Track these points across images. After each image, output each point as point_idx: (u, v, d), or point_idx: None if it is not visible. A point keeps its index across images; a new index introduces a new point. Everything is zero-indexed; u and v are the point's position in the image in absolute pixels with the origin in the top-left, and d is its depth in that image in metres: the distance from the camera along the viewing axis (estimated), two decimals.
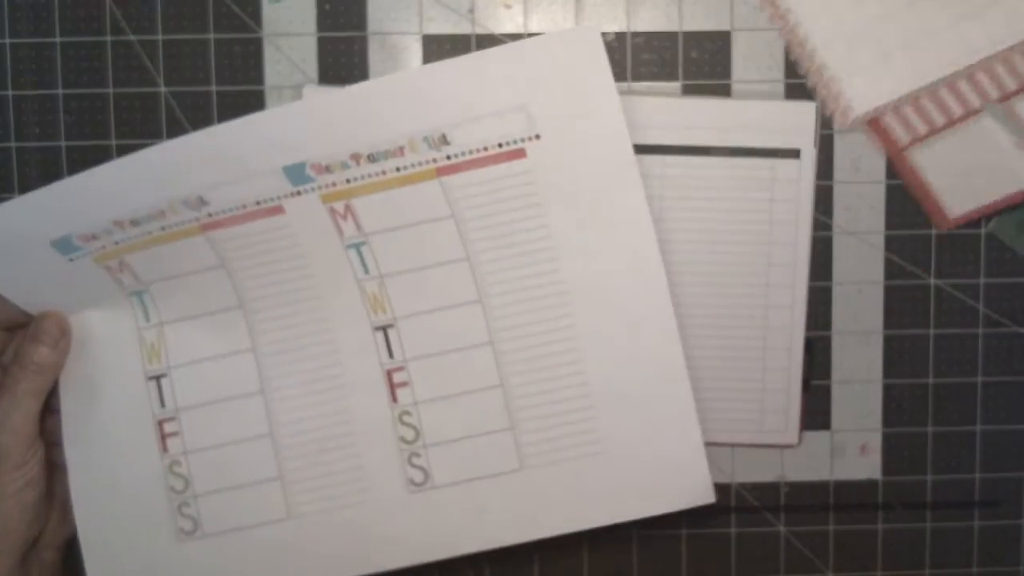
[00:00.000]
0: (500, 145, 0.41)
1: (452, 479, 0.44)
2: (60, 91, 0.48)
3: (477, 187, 0.42)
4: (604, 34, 0.48)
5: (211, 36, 0.48)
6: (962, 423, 0.49)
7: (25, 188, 0.48)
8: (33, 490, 0.42)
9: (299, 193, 0.42)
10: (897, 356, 0.49)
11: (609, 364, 0.43)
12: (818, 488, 0.50)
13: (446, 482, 0.44)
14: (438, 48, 0.48)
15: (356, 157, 0.41)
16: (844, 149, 0.48)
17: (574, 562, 0.50)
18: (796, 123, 0.47)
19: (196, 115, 0.48)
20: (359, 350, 0.44)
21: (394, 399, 0.44)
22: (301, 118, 0.41)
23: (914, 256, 0.49)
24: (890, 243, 0.48)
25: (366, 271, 0.43)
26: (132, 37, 0.48)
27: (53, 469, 0.44)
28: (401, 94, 0.41)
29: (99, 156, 0.48)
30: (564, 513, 0.44)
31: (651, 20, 0.48)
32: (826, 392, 0.49)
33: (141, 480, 0.44)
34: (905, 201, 0.48)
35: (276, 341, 0.44)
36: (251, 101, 0.48)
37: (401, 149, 0.41)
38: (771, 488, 0.50)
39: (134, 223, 0.41)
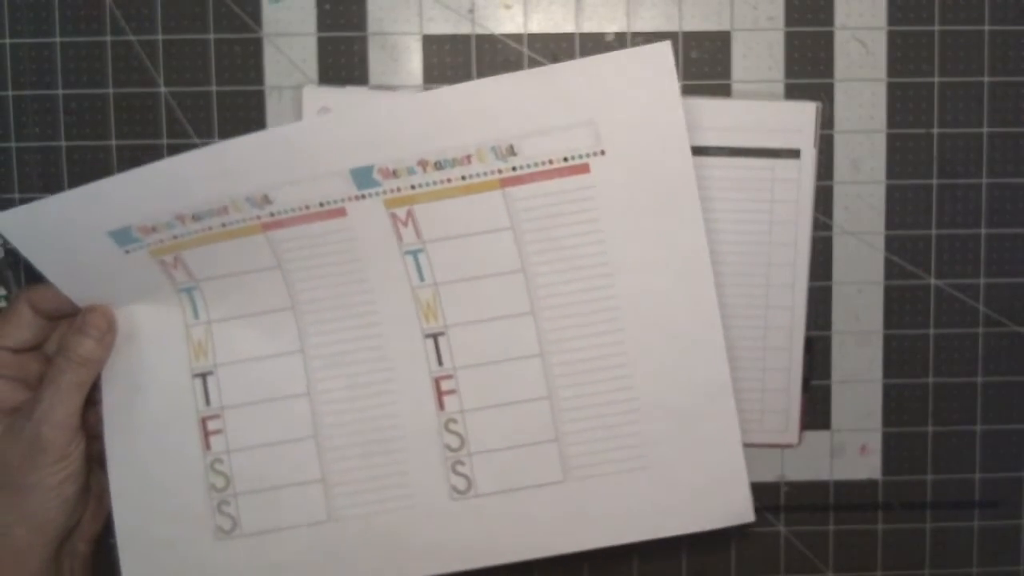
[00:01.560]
0: (565, 159, 0.42)
1: (495, 488, 0.44)
2: (60, 91, 0.48)
3: (539, 200, 0.42)
4: (604, 34, 0.48)
5: (211, 36, 0.48)
6: (962, 423, 0.49)
7: (25, 188, 0.48)
8: (73, 483, 0.42)
9: (363, 196, 0.42)
10: (897, 356, 0.49)
11: (657, 380, 0.43)
12: (818, 488, 0.50)
13: (489, 491, 0.44)
14: (438, 48, 0.48)
15: (423, 163, 0.41)
16: (844, 149, 0.48)
17: (574, 563, 0.50)
18: (796, 123, 0.47)
19: (196, 115, 0.48)
20: (408, 356, 0.44)
21: (441, 407, 0.44)
22: (374, 121, 0.41)
23: (914, 256, 0.49)
24: (890, 243, 0.48)
25: (421, 279, 0.43)
26: (132, 37, 0.48)
27: (90, 462, 0.44)
28: (474, 102, 0.41)
29: (99, 156, 0.48)
30: (607, 526, 0.44)
31: (651, 20, 0.48)
32: (826, 392, 0.49)
33: (181, 476, 0.44)
34: (905, 201, 0.48)
35: (325, 344, 0.44)
36: (251, 101, 0.48)
37: (468, 158, 0.41)
38: (771, 488, 0.50)
39: (196, 218, 0.41)
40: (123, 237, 0.41)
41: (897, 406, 0.49)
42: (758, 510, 0.50)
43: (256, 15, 0.48)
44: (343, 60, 0.48)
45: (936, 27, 0.47)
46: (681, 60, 0.48)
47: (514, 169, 0.42)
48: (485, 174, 0.42)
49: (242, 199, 0.41)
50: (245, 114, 0.48)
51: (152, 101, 0.48)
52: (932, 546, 0.50)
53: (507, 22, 0.48)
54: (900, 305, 0.49)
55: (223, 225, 0.42)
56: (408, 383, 0.44)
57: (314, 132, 0.41)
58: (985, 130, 0.48)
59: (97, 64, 0.48)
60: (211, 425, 0.44)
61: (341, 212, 0.42)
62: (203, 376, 0.44)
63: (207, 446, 0.44)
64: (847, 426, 0.49)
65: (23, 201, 0.48)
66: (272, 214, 0.42)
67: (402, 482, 0.44)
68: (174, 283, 0.43)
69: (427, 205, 0.42)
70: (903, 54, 0.48)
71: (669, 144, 0.41)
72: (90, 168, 0.48)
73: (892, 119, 0.48)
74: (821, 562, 0.50)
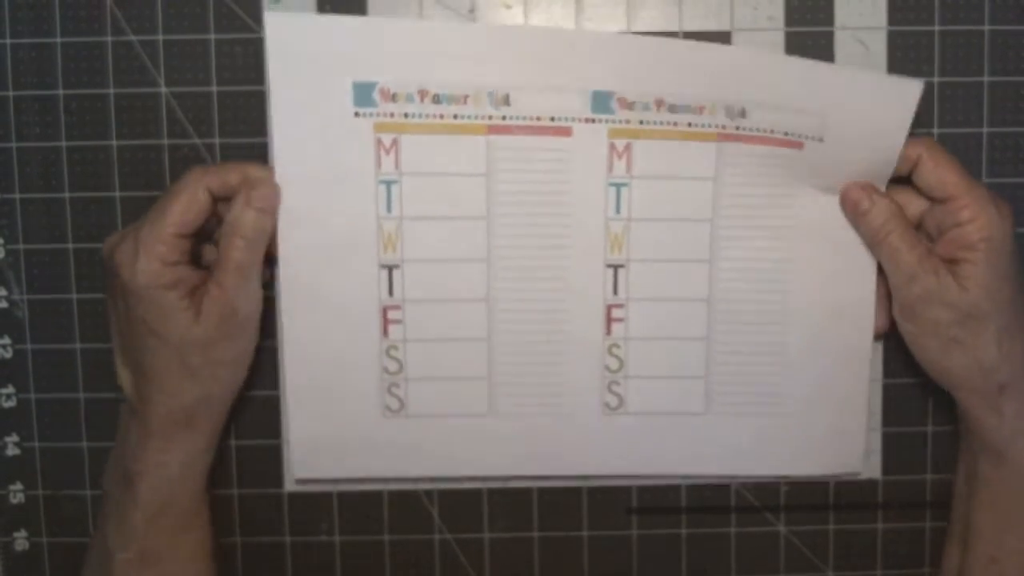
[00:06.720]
0: (786, 133, 0.44)
1: (643, 409, 0.47)
2: (60, 91, 0.48)
3: (749, 159, 0.45)
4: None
5: (211, 36, 0.47)
6: None
7: (25, 188, 0.48)
8: (255, 344, 0.46)
9: (593, 120, 0.44)
10: (897, 356, 0.49)
11: (807, 340, 0.47)
12: (818, 488, 0.50)
13: (637, 411, 0.47)
14: None
15: (660, 102, 0.44)
16: None
17: (574, 561, 0.50)
18: None
19: (196, 115, 0.48)
20: (587, 281, 0.46)
21: (608, 332, 0.47)
22: (628, 50, 0.44)
23: None
24: None
25: (617, 211, 0.46)
26: (132, 37, 0.48)
27: None
28: (719, 62, 0.44)
29: (99, 156, 0.48)
30: (736, 459, 0.48)
31: (651, 20, 0.48)
32: None
33: (358, 356, 0.46)
34: None
35: (511, 256, 0.46)
36: (251, 101, 0.48)
37: (701, 108, 0.44)
38: (771, 488, 0.50)
39: (435, 99, 0.44)
40: (362, 94, 0.43)
41: (897, 406, 0.49)
42: (758, 510, 0.50)
43: (256, 15, 0.47)
44: None
45: (936, 27, 0.47)
46: None
47: (737, 128, 0.44)
48: (709, 125, 0.44)
49: (484, 92, 0.44)
50: (245, 114, 0.48)
51: (152, 101, 0.48)
52: (932, 546, 0.50)
53: (507, 22, 0.48)
54: None
55: (455, 116, 0.44)
56: (582, 305, 0.46)
57: (573, 42, 0.44)
58: (985, 130, 0.48)
59: (97, 64, 0.48)
60: (391, 315, 0.46)
61: (567, 132, 0.45)
62: (389, 268, 0.46)
63: (385, 333, 0.46)
64: None
65: (23, 201, 0.48)
66: (504, 117, 0.44)
67: (559, 391, 0.47)
68: (378, 171, 0.45)
69: (647, 142, 0.45)
70: (903, 54, 0.48)
71: (879, 158, 0.44)
72: (90, 168, 0.48)
73: None
74: (821, 562, 0.50)
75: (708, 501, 0.50)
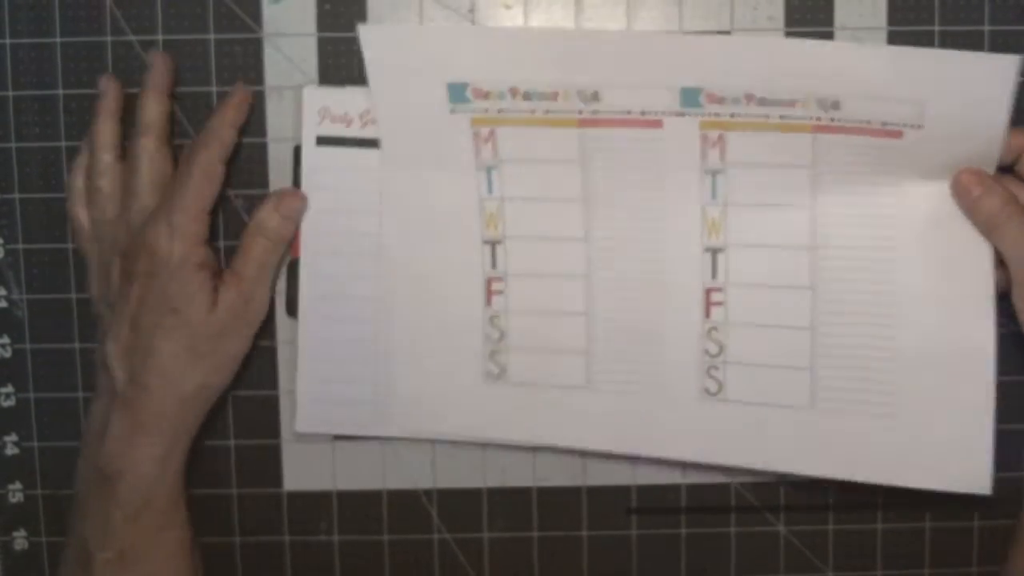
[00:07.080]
0: (884, 123, 0.43)
1: (744, 398, 0.46)
2: (60, 91, 0.48)
3: (846, 149, 0.44)
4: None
5: (211, 36, 0.48)
6: None
7: (25, 188, 0.48)
8: None
9: (683, 114, 0.44)
10: None
11: (921, 333, 0.45)
12: (818, 488, 0.50)
13: (737, 399, 0.46)
14: None
15: (749, 97, 0.43)
16: None
17: (574, 561, 0.50)
18: None
19: (196, 115, 0.48)
20: (685, 264, 0.46)
21: (707, 315, 0.46)
22: (717, 49, 0.43)
23: None
24: None
25: (713, 197, 0.46)
26: (132, 37, 0.48)
27: None
28: (815, 60, 0.43)
29: None
30: (845, 460, 0.46)
31: (651, 20, 0.48)
32: None
33: (463, 322, 0.48)
34: None
35: (610, 237, 0.47)
36: (251, 102, 0.48)
37: (793, 102, 0.43)
38: (771, 488, 0.50)
39: (526, 96, 0.44)
40: (457, 93, 0.45)
41: None
42: (758, 510, 0.50)
43: (256, 15, 0.48)
44: (343, 60, 0.48)
45: (936, 27, 0.47)
46: None
47: (832, 120, 0.43)
48: (803, 118, 0.44)
49: (574, 91, 0.44)
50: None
51: None
52: (932, 546, 0.50)
53: (507, 22, 0.48)
54: None
55: (546, 112, 0.45)
56: (681, 287, 0.46)
57: (659, 45, 0.44)
58: None
59: (97, 64, 0.48)
60: (495, 286, 0.48)
61: (658, 124, 0.45)
62: (492, 244, 0.47)
63: (488, 303, 0.48)
64: None
65: (23, 201, 0.48)
66: (594, 112, 0.45)
67: (658, 371, 0.47)
68: (477, 160, 0.46)
69: (739, 134, 0.44)
70: None
71: (983, 142, 0.43)
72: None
73: None
74: (821, 562, 0.50)
75: (708, 501, 0.50)
